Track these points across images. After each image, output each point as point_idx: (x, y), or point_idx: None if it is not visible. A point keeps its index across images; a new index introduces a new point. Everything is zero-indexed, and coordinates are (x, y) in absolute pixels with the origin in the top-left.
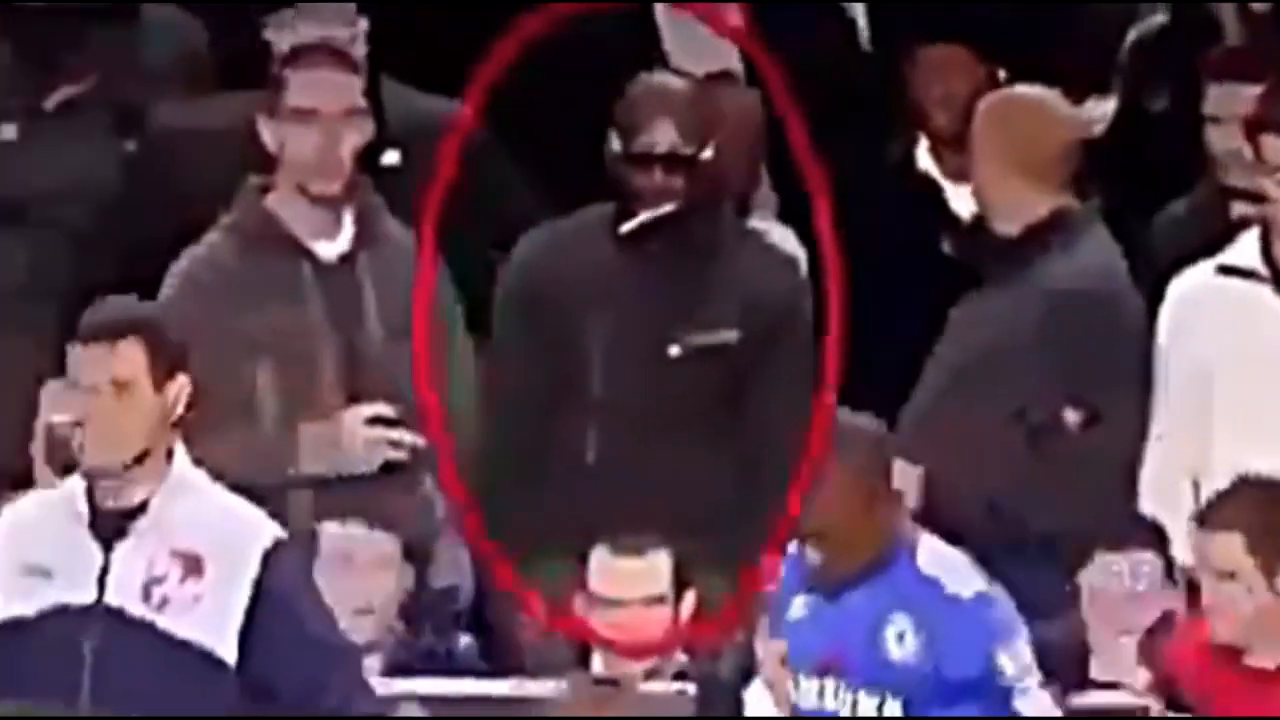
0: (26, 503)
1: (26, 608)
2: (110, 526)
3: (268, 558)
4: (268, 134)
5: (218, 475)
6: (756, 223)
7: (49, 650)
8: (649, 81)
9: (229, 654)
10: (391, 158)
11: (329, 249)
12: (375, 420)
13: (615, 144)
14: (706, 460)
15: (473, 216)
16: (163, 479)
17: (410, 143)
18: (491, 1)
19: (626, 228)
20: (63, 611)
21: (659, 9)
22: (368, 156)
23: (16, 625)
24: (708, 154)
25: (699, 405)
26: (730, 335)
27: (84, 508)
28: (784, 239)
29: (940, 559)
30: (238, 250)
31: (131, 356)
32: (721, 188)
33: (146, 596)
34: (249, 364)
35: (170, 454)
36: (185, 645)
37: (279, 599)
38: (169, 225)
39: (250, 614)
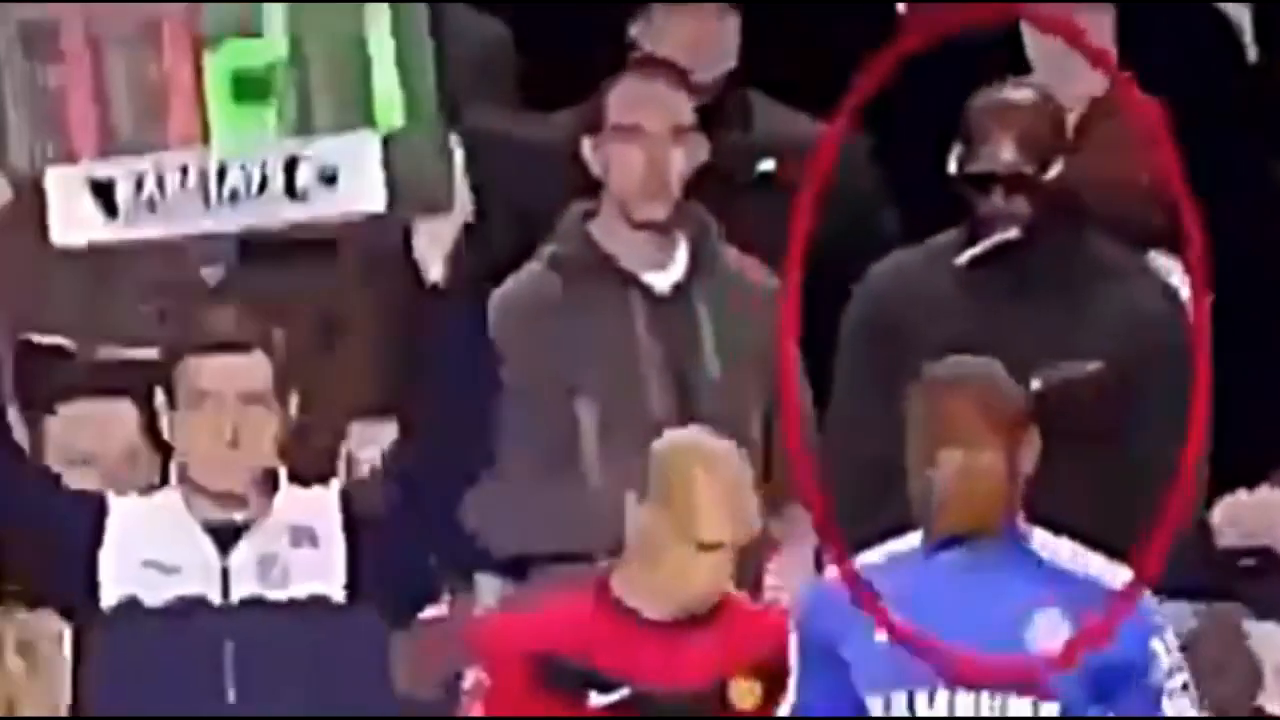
0: (136, 502)
1: (150, 597)
2: (227, 531)
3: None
4: (591, 154)
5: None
6: (1153, 256)
7: (184, 649)
8: (989, 96)
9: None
10: (767, 164)
11: (661, 279)
12: None
13: (954, 164)
14: (1066, 494)
15: (837, 234)
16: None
17: (780, 157)
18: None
19: (964, 257)
20: (192, 607)
21: (1026, 27)
22: (743, 167)
23: (142, 611)
24: (1053, 174)
25: (1056, 441)
26: (1095, 366)
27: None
28: (1167, 269)
29: (1064, 546)
30: (561, 282)
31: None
32: (1079, 211)
33: (266, 578)
34: (569, 405)
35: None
36: (313, 602)
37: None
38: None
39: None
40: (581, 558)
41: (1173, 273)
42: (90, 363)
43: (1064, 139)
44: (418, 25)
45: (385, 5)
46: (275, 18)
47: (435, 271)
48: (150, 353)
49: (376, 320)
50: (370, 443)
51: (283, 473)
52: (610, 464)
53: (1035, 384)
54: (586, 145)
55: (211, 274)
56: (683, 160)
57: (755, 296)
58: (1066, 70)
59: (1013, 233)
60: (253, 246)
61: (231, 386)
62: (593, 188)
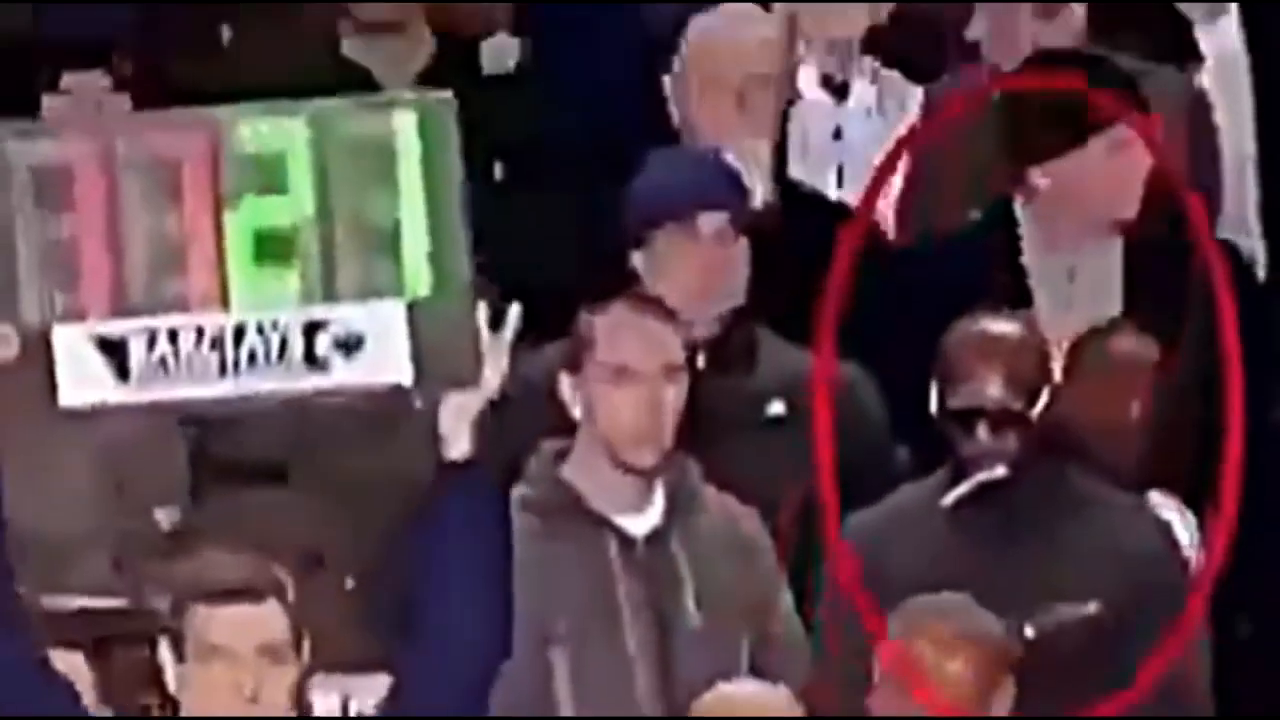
0: None
1: None
2: None
3: None
4: (570, 393)
5: None
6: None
7: None
8: (968, 329)
9: None
10: (777, 408)
11: (637, 523)
12: None
13: (934, 400)
14: None
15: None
16: None
17: (790, 401)
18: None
19: (949, 499)
20: None
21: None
22: (749, 409)
23: None
24: (1039, 409)
25: (1056, 684)
26: (1090, 608)
27: None
28: (1161, 504)
29: None
30: (532, 527)
31: None
32: (1066, 447)
33: None
34: (542, 654)
35: None
36: None
37: None
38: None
39: None
40: None
41: (1166, 510)
42: (40, 613)
43: (1049, 373)
44: (450, 192)
45: (418, 168)
46: (301, 175)
47: (459, 448)
48: (107, 602)
49: (350, 554)
50: (333, 692)
51: None
52: (586, 715)
53: (1029, 631)
54: (565, 383)
55: (165, 516)
56: (676, 402)
57: (737, 539)
58: (1065, 298)
59: (999, 471)
60: (203, 485)
61: (248, 641)
62: (569, 427)
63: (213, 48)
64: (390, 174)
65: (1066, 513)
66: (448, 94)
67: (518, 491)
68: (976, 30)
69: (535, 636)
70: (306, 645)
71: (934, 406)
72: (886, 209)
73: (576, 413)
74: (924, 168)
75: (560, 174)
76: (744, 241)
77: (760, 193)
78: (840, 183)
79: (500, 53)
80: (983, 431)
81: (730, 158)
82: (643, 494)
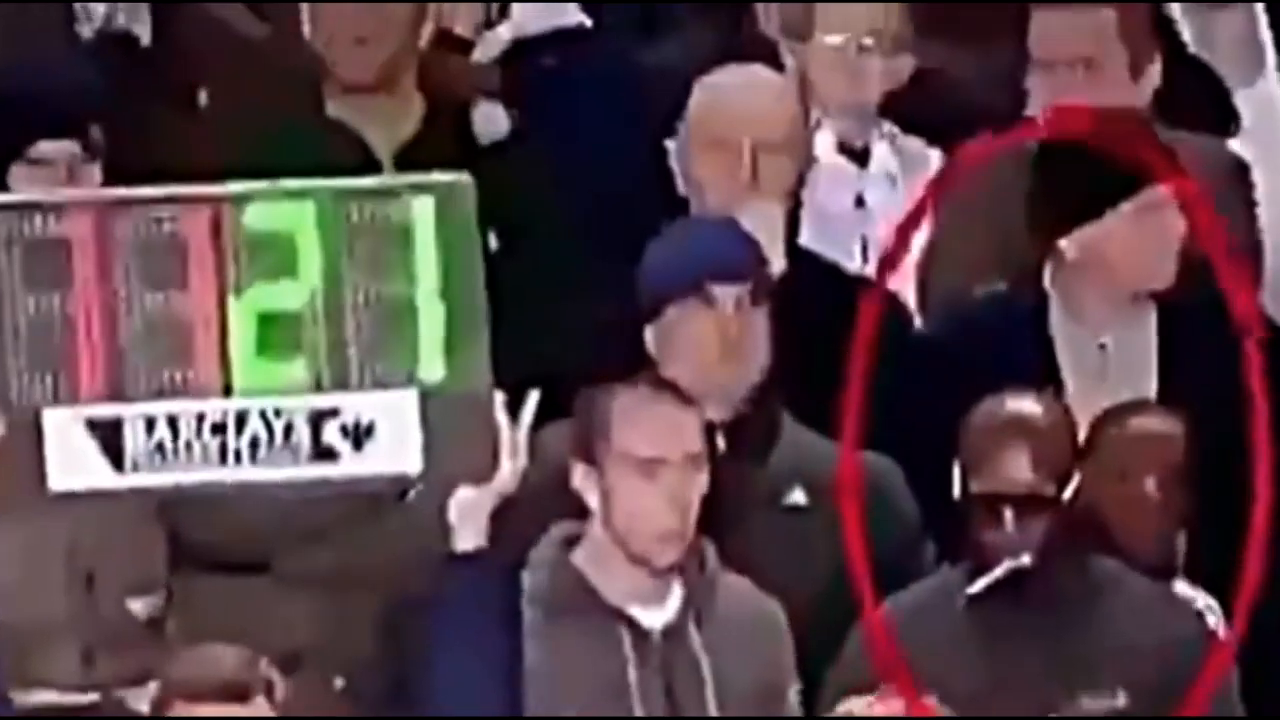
0: None
1: None
2: None
3: None
4: (583, 482)
5: None
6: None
7: None
8: (993, 409)
9: None
10: (797, 497)
11: (653, 616)
12: None
13: (958, 485)
14: None
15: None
16: None
17: (812, 491)
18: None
19: (976, 588)
20: None
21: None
22: (766, 495)
23: None
24: (1069, 493)
25: None
26: (1119, 701)
27: None
28: (1191, 598)
29: None
30: (538, 618)
31: None
32: (1093, 532)
33: None
34: None
35: None
36: None
37: None
38: None
39: None
40: None
41: (1196, 601)
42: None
43: (1075, 454)
44: (469, 277)
45: (435, 253)
46: (311, 258)
47: (468, 541)
48: (77, 699)
49: (337, 651)
50: None
51: None
52: None
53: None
54: (579, 472)
55: (142, 607)
56: (698, 493)
57: (756, 627)
58: (1097, 373)
59: (1024, 560)
60: (180, 573)
61: None
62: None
63: (189, 110)
64: (406, 258)
65: (1092, 602)
66: (465, 176)
67: (528, 586)
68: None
69: None
70: None
71: (957, 491)
72: (905, 278)
73: (592, 502)
74: (945, 234)
75: (560, 244)
76: (763, 313)
77: (773, 262)
78: (865, 255)
79: (491, 119)
80: (1008, 517)
81: (744, 225)
82: (660, 586)
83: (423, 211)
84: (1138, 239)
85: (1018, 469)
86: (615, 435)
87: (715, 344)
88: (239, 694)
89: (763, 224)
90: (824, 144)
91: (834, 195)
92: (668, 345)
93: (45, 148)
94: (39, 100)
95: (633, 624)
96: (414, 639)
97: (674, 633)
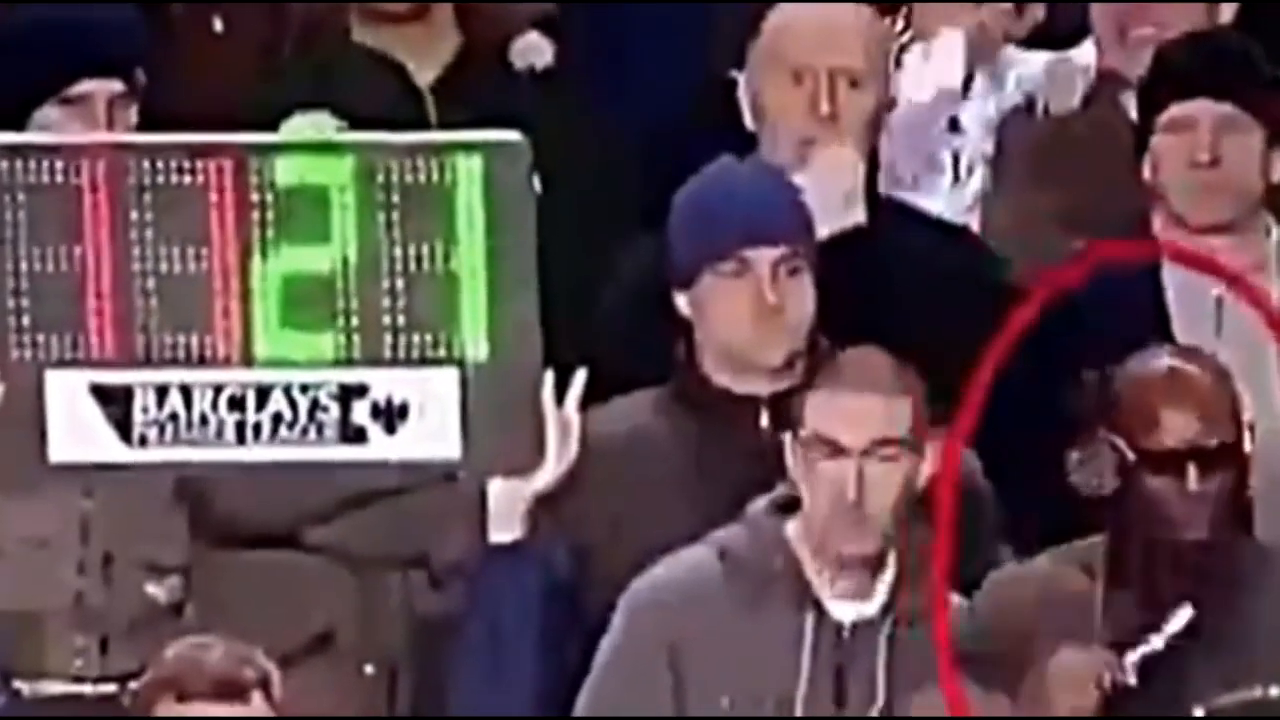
0: None
1: None
2: None
3: None
4: (791, 460)
5: None
6: None
7: None
8: (1149, 365)
9: None
10: None
11: (848, 610)
12: None
13: (1124, 445)
14: None
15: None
16: None
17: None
18: None
19: (1138, 657)
20: None
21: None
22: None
23: None
24: (1248, 444)
25: None
26: (1273, 691)
27: None
28: None
29: None
30: (730, 580)
31: None
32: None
33: None
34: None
35: None
36: None
37: None
38: None
39: None
40: None
41: None
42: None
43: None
44: (519, 246)
45: (482, 218)
46: (345, 219)
47: (503, 531)
48: (90, 689)
49: (369, 635)
50: None
51: None
52: None
53: (1198, 711)
54: (787, 444)
55: (159, 591)
56: (895, 486)
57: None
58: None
59: (1180, 620)
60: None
61: None
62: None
63: (205, 36)
64: (449, 223)
65: (1250, 583)
66: (517, 136)
67: (725, 536)
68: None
69: (697, 708)
70: None
71: (1128, 452)
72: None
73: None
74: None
75: (608, 189)
76: (806, 278)
77: (845, 212)
78: (956, 170)
79: (531, 50)
80: (1193, 474)
81: (804, 177)
82: (869, 578)
83: (469, 172)
84: None
85: (1194, 422)
86: (805, 408)
87: (750, 314)
88: (233, 692)
89: (839, 171)
90: (913, 79)
91: (922, 128)
92: (700, 313)
93: (88, 85)
94: (85, 37)
95: (823, 612)
96: (446, 627)
97: (864, 631)
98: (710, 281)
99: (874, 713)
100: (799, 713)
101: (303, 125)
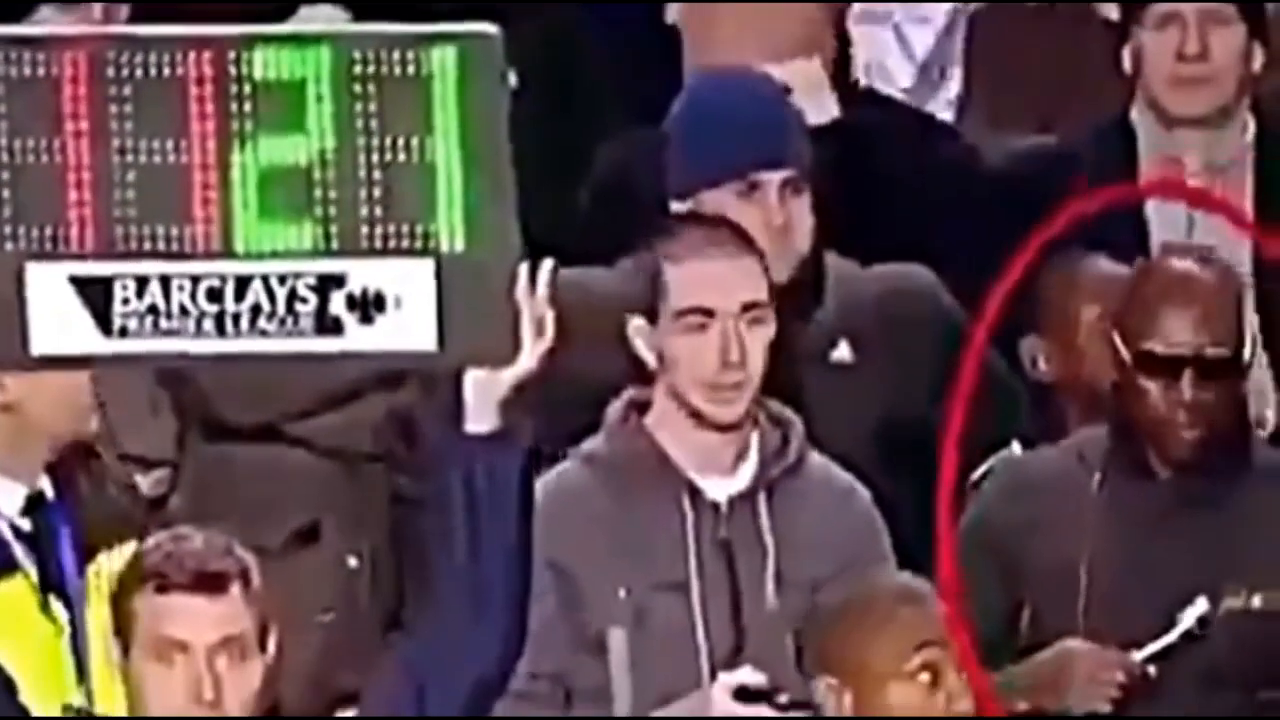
0: None
1: None
2: None
3: None
4: (643, 342)
5: None
6: None
7: None
8: (1156, 266)
9: None
10: (843, 353)
11: (720, 487)
12: (746, 693)
13: (1121, 345)
14: None
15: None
16: None
17: (859, 334)
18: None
19: (1147, 654)
20: None
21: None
22: (813, 349)
23: None
24: (1247, 357)
25: (1220, 688)
26: (1256, 601)
27: None
28: None
29: None
30: (603, 484)
31: None
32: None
33: None
34: (599, 635)
35: None
36: None
37: None
38: None
39: None
40: None
41: None
42: None
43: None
44: (493, 137)
45: (456, 108)
46: (323, 110)
47: (483, 424)
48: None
49: (353, 527)
50: None
51: None
52: (644, 699)
53: (1190, 614)
54: (632, 329)
55: (148, 482)
56: (759, 346)
57: (838, 517)
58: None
59: (1190, 618)
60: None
61: (208, 635)
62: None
63: None
64: (425, 114)
65: (1248, 491)
66: (491, 27)
67: (589, 445)
68: None
69: (593, 608)
70: (273, 639)
71: (1124, 353)
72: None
73: (650, 360)
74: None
75: (583, 80)
76: (807, 197)
77: (818, 110)
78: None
79: None
80: (1187, 383)
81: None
82: (732, 455)
83: (444, 63)
84: None
85: (1192, 329)
86: (668, 286)
87: (759, 235)
88: (212, 583)
89: (805, 78)
90: None
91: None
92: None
93: None
94: None
95: (697, 493)
96: (426, 519)
97: (741, 505)
98: (715, 198)
99: (767, 581)
100: (695, 593)
101: (314, 15)
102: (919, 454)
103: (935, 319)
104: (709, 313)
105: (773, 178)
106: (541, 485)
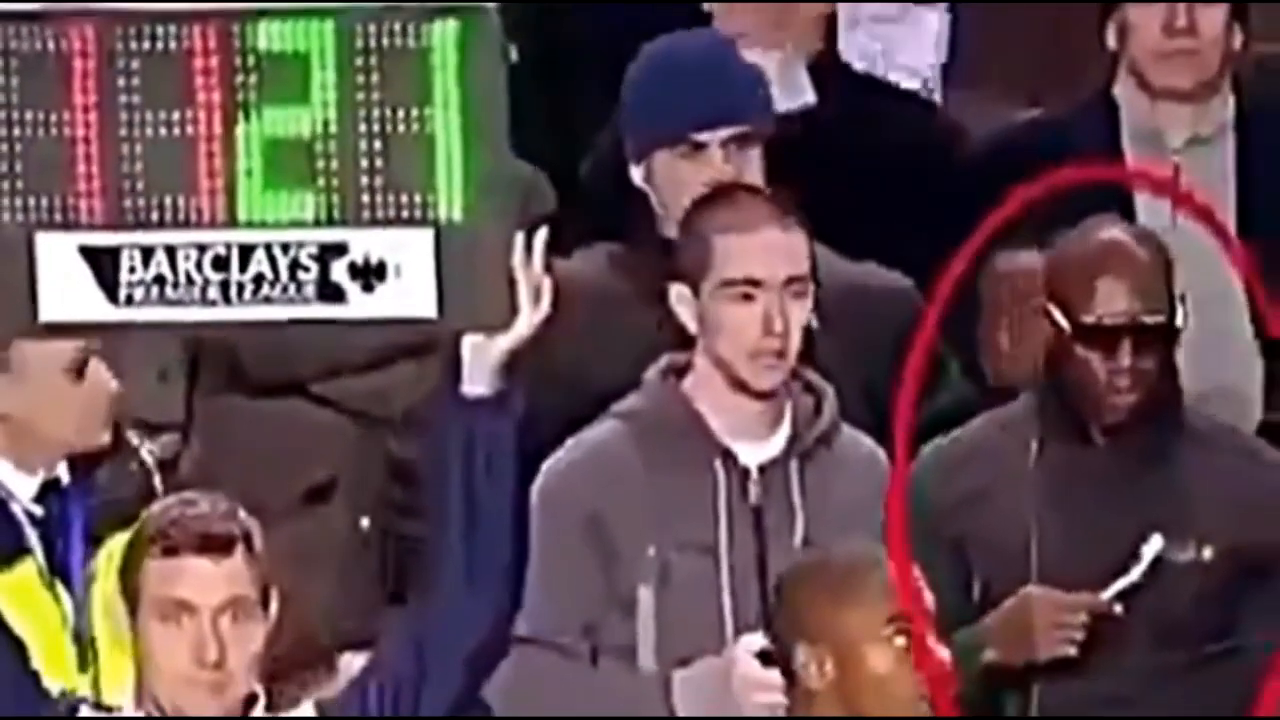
0: None
1: None
2: None
3: None
4: (685, 310)
5: None
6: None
7: None
8: (1090, 237)
9: None
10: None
11: (753, 453)
12: (769, 657)
13: (1060, 317)
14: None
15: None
16: None
17: (839, 318)
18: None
19: (1114, 591)
20: None
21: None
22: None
23: None
24: (1180, 322)
25: (1165, 642)
26: (1206, 553)
27: None
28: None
29: None
30: (639, 444)
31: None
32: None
33: None
34: (629, 593)
35: None
36: None
37: None
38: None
39: None
40: None
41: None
42: None
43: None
44: (492, 110)
45: (455, 82)
46: (326, 81)
47: (478, 388)
48: None
49: (365, 487)
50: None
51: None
52: (668, 658)
53: (1123, 581)
54: (674, 294)
55: (159, 446)
56: (799, 318)
57: (864, 486)
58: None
59: (1153, 549)
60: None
61: (213, 596)
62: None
63: None
64: (425, 87)
65: (1183, 451)
66: (490, 4)
67: (627, 404)
68: None
69: (625, 566)
70: (274, 600)
71: (1063, 323)
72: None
73: (691, 326)
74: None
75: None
76: (755, 151)
77: (795, 95)
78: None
79: None
80: (1125, 350)
81: (754, 54)
82: (767, 422)
83: (443, 36)
84: None
85: (1128, 297)
86: (715, 255)
87: (704, 190)
88: (217, 545)
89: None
90: None
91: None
92: (656, 188)
93: None
94: None
95: (730, 458)
96: (428, 481)
97: (773, 472)
98: (663, 159)
99: (795, 547)
100: (723, 556)
101: None
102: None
103: (902, 326)
104: (756, 283)
105: (715, 136)
106: (578, 441)
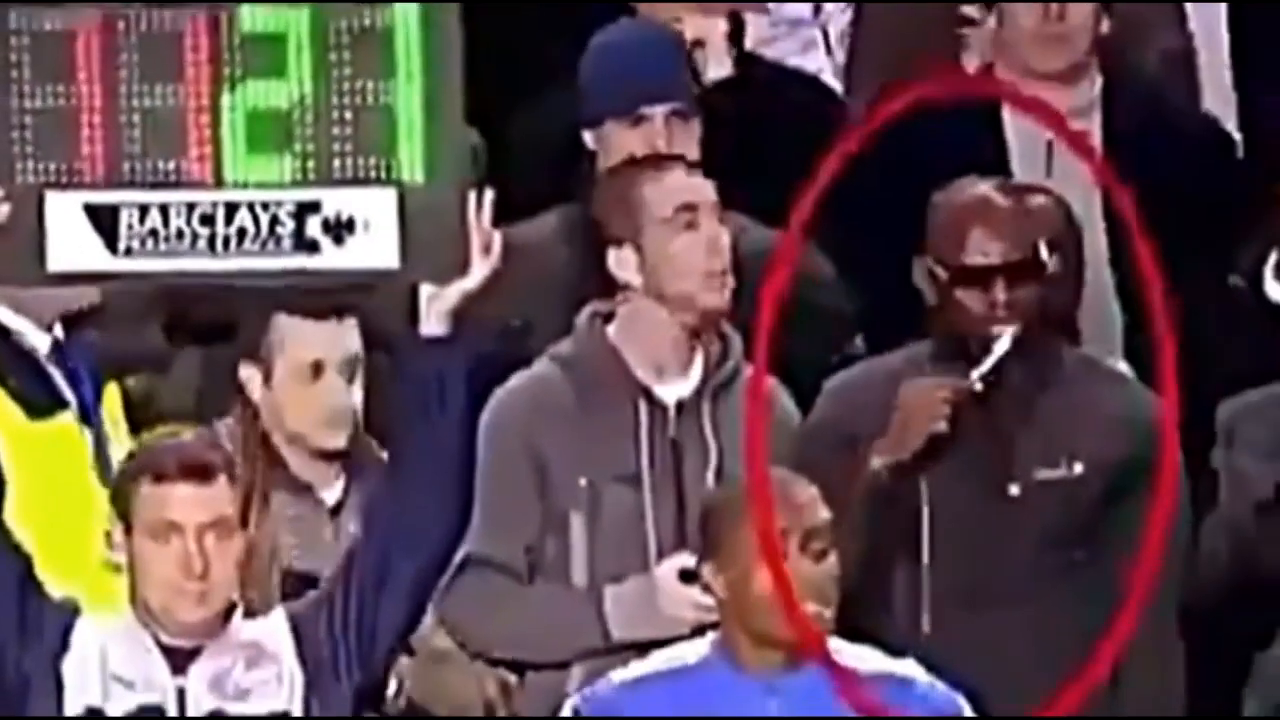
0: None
1: (111, 708)
2: (182, 653)
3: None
4: (626, 269)
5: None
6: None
7: None
8: (964, 190)
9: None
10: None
11: (670, 391)
12: (688, 575)
13: (934, 264)
14: (1050, 608)
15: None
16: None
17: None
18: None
19: (976, 376)
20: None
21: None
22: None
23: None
24: (1054, 263)
25: (1042, 547)
26: (1076, 469)
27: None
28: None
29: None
30: (571, 384)
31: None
32: (1049, 307)
33: (223, 695)
34: (563, 514)
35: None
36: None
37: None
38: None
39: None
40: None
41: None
42: None
43: (1048, 228)
44: (449, 84)
45: (418, 59)
46: (302, 58)
47: (434, 326)
48: None
49: None
50: None
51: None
52: (598, 581)
53: (1013, 489)
54: (612, 257)
55: (133, 385)
56: (728, 241)
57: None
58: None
59: (1005, 341)
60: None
61: (199, 516)
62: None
63: None
64: (389, 63)
65: (1061, 378)
66: None
67: (560, 348)
68: None
69: (557, 495)
70: (253, 518)
71: (927, 273)
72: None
73: (633, 280)
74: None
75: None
76: (694, 124)
77: (715, 68)
78: (827, 44)
79: None
80: (999, 288)
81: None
82: (683, 362)
83: (406, 18)
84: None
85: (1000, 241)
86: (648, 200)
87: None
88: (201, 472)
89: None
90: None
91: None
92: (605, 152)
93: None
94: None
95: (651, 398)
96: (385, 417)
97: (688, 409)
98: (612, 127)
99: (709, 477)
100: (645, 484)
101: None
102: None
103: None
104: (693, 207)
105: (657, 110)
106: (518, 379)
